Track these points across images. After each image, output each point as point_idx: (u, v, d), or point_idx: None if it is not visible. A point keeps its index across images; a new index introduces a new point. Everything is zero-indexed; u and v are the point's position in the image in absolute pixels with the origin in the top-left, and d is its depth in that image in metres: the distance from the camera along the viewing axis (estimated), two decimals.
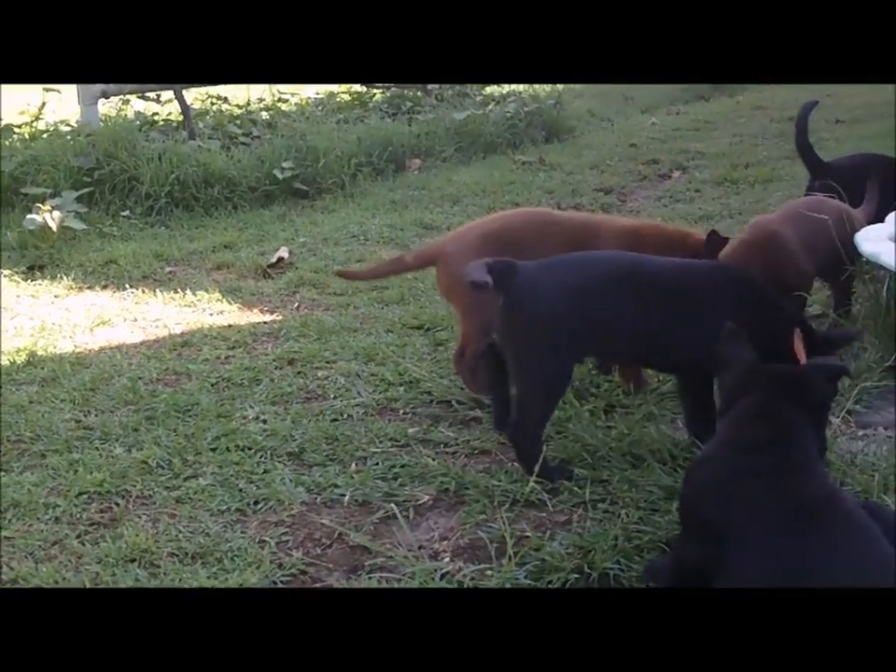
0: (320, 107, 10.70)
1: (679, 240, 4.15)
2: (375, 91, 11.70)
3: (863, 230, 4.61)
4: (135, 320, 5.44)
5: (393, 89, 11.64)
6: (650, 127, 12.16)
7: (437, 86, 11.72)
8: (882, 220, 4.78)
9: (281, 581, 2.99)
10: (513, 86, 12.30)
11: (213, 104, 10.47)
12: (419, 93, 11.46)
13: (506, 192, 8.40)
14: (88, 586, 2.96)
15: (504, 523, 3.17)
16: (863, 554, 2.43)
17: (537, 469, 3.41)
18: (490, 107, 10.94)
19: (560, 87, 12.66)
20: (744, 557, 2.45)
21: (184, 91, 9.22)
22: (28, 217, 6.81)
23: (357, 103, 11.32)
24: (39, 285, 6.12)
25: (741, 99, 14.75)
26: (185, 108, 9.12)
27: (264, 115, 10.05)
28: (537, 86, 12.10)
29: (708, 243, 4.07)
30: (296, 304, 5.67)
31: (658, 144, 10.94)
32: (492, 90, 12.30)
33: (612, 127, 12.31)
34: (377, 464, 3.65)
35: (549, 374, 3.45)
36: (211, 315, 5.50)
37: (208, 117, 9.87)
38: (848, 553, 2.41)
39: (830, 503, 2.49)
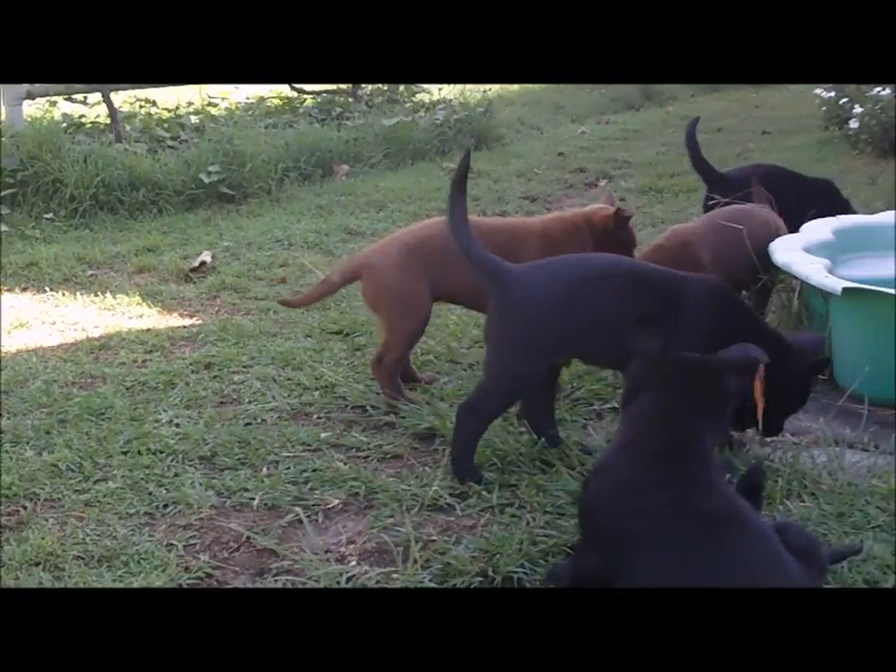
0: (250, 112, 10.66)
1: (583, 221, 4.25)
2: (306, 96, 11.67)
3: (777, 239, 4.68)
4: (54, 323, 5.40)
5: (324, 94, 11.62)
6: (579, 136, 12.23)
7: (367, 91, 11.73)
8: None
9: (187, 584, 2.99)
10: (444, 93, 12.33)
11: (141, 107, 10.42)
12: (349, 99, 11.45)
13: (432, 199, 8.42)
14: None
15: (411, 527, 3.19)
16: (762, 566, 2.47)
17: (457, 456, 3.51)
18: (419, 114, 10.96)
19: (490, 94, 12.73)
20: (640, 568, 2.48)
21: (112, 94, 9.16)
22: None
23: (287, 108, 11.30)
24: None
25: (671, 109, 14.86)
26: (112, 111, 9.07)
27: (193, 119, 9.99)
28: (467, 93, 12.14)
29: (617, 219, 4.21)
30: (216, 308, 5.66)
31: (586, 153, 11.01)
32: (422, 97, 12.31)
33: (542, 135, 12.37)
34: (288, 468, 3.66)
35: (521, 372, 3.50)
36: (130, 318, 5.48)
37: (136, 120, 9.81)
38: (747, 565, 2.44)
39: (728, 516, 2.52)
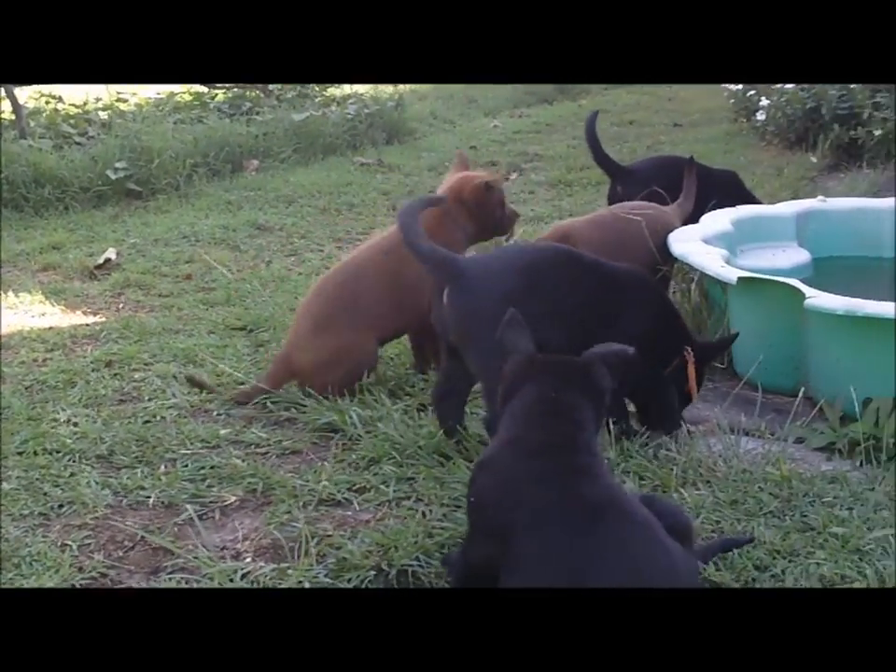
0: (159, 108, 10.56)
1: (453, 198, 4.21)
2: (217, 91, 11.59)
3: (676, 230, 4.73)
4: None
5: (235, 89, 11.54)
6: (491, 129, 12.25)
7: (278, 86, 11.66)
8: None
9: (80, 585, 2.96)
10: (355, 87, 12.29)
11: (47, 102, 10.26)
12: (260, 94, 11.39)
13: (342, 193, 8.42)
14: None
15: (305, 522, 3.18)
16: (645, 552, 2.49)
17: None
18: (331, 108, 10.92)
19: (402, 88, 12.72)
20: (527, 559, 2.49)
21: (16, 90, 9.03)
22: None
23: (197, 103, 11.20)
24: None
25: (584, 102, 14.93)
26: (16, 107, 8.92)
27: (101, 114, 9.87)
28: (379, 87, 12.13)
29: (487, 190, 4.22)
30: (120, 306, 5.61)
31: (498, 146, 11.04)
32: (333, 91, 12.26)
33: (454, 129, 12.37)
34: (186, 465, 3.63)
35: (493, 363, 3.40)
36: (33, 317, 5.40)
37: (42, 116, 9.66)
38: (631, 554, 2.46)
39: (611, 503, 2.54)
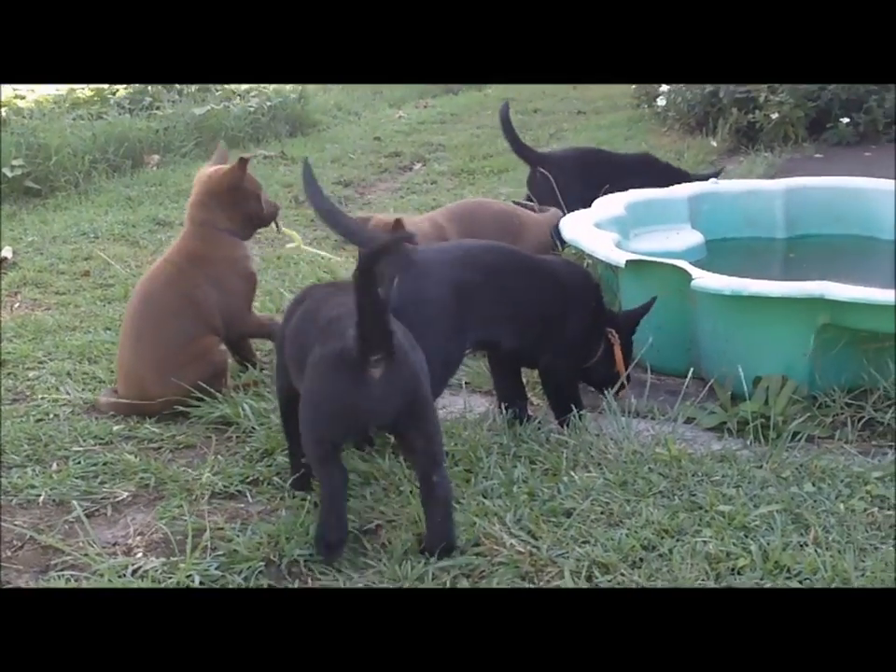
0: (58, 104, 10.41)
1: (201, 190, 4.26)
2: (117, 86, 11.45)
3: (568, 215, 4.77)
4: None
5: (135, 84, 11.41)
6: (396, 120, 12.25)
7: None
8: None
9: None
10: None
11: None
12: (161, 88, 11.26)
13: None
14: None
15: (198, 516, 3.18)
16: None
17: None
18: (233, 101, 10.83)
19: None
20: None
21: None
22: None
23: (97, 99, 11.05)
24: None
25: (490, 92, 14.96)
26: None
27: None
28: None
29: (234, 176, 4.24)
30: (16, 304, 5.53)
31: (402, 137, 11.04)
32: (235, 85, 12.17)
33: (359, 120, 12.34)
34: (79, 462, 3.59)
35: (441, 352, 3.45)
36: None
37: None
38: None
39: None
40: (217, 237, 4.08)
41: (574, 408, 3.68)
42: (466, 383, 4.06)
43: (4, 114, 9.34)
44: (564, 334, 3.66)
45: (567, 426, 3.67)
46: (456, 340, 3.52)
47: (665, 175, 5.85)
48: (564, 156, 6.15)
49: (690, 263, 4.03)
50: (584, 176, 5.67)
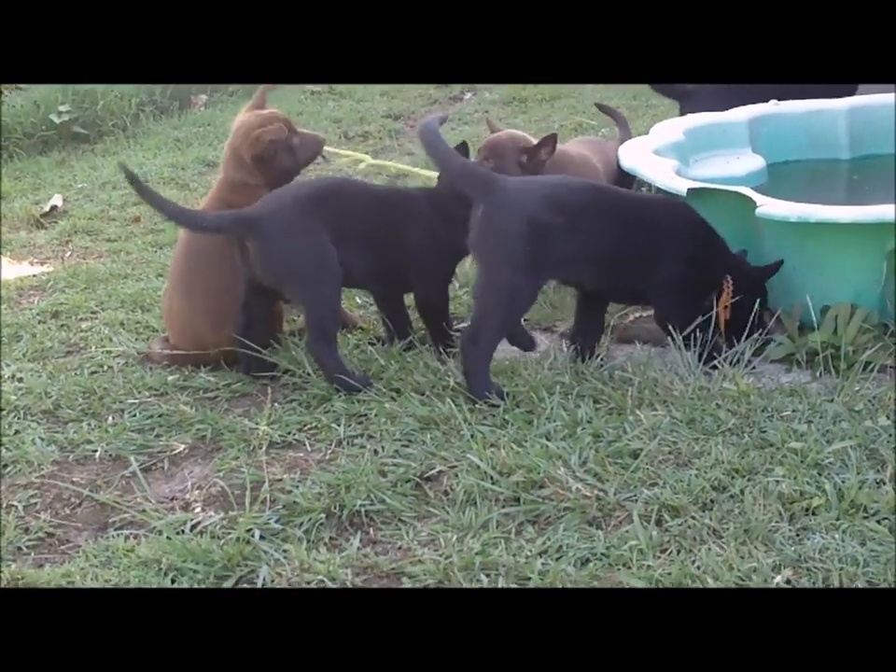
0: None
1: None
2: None
3: (627, 143, 4.64)
4: None
5: None
6: None
7: None
8: None
9: (26, 547, 2.88)
10: None
11: None
12: None
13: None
14: None
15: (256, 467, 3.12)
16: None
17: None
18: None
19: None
20: None
21: None
22: None
23: None
24: None
25: None
26: None
27: None
28: None
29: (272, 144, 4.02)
30: (68, 254, 5.49)
31: None
32: None
33: None
34: (134, 415, 3.55)
35: (515, 289, 3.46)
36: None
37: None
38: None
39: None
40: (252, 192, 3.95)
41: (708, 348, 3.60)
42: (524, 319, 3.95)
43: None
44: (663, 276, 3.58)
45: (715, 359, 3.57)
46: (528, 277, 3.46)
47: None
48: (713, 91, 5.86)
49: (752, 189, 3.90)
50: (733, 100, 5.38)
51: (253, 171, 3.98)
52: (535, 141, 4.16)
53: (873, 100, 5.22)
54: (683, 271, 3.60)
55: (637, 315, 3.99)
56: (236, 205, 3.82)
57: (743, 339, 3.59)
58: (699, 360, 3.55)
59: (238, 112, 7.90)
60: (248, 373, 3.75)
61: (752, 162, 4.85)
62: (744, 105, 5.13)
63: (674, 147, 4.64)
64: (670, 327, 3.59)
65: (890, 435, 3.05)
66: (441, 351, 3.75)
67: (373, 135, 7.77)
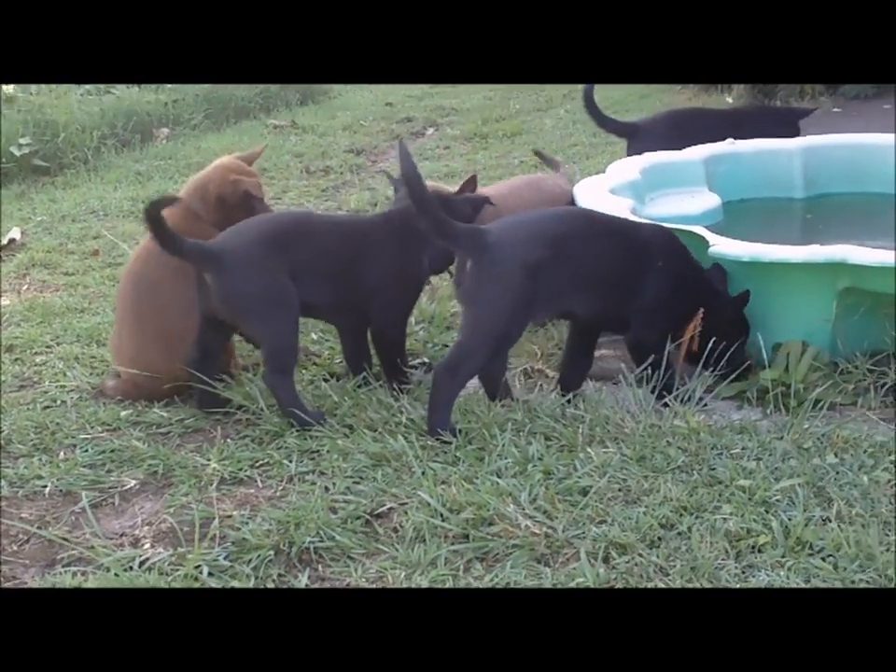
0: None
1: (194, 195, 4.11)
2: None
3: (583, 181, 4.68)
4: None
5: None
6: (409, 85, 12.09)
7: None
8: None
9: None
10: None
11: None
12: None
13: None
14: None
15: (207, 503, 3.12)
16: None
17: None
18: None
19: None
20: None
21: None
22: None
23: None
24: None
25: None
26: None
27: (5, 89, 9.62)
28: None
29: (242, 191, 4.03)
30: (25, 287, 5.47)
31: (415, 101, 10.95)
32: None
33: (371, 87, 12.18)
34: (86, 450, 3.53)
35: (506, 333, 3.51)
36: None
37: None
38: None
39: None
40: (202, 228, 3.95)
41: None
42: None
43: (10, 91, 9.28)
44: (645, 300, 3.62)
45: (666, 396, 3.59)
46: (519, 319, 3.51)
47: (764, 120, 5.70)
48: (655, 121, 6.00)
49: (707, 227, 3.95)
50: (682, 138, 5.48)
51: (209, 206, 3.98)
52: (454, 189, 4.18)
53: (826, 140, 5.31)
54: (666, 294, 3.63)
55: None
56: (181, 231, 3.82)
57: (718, 369, 3.67)
58: (654, 396, 3.58)
59: (200, 146, 8.02)
60: (202, 408, 3.73)
61: (708, 201, 4.89)
62: (690, 144, 5.20)
63: (630, 186, 4.69)
64: (642, 353, 3.65)
65: (838, 473, 3.08)
66: (395, 388, 3.75)
67: (335, 170, 7.80)
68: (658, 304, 3.62)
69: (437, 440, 3.37)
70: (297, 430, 3.51)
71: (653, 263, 3.63)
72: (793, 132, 5.59)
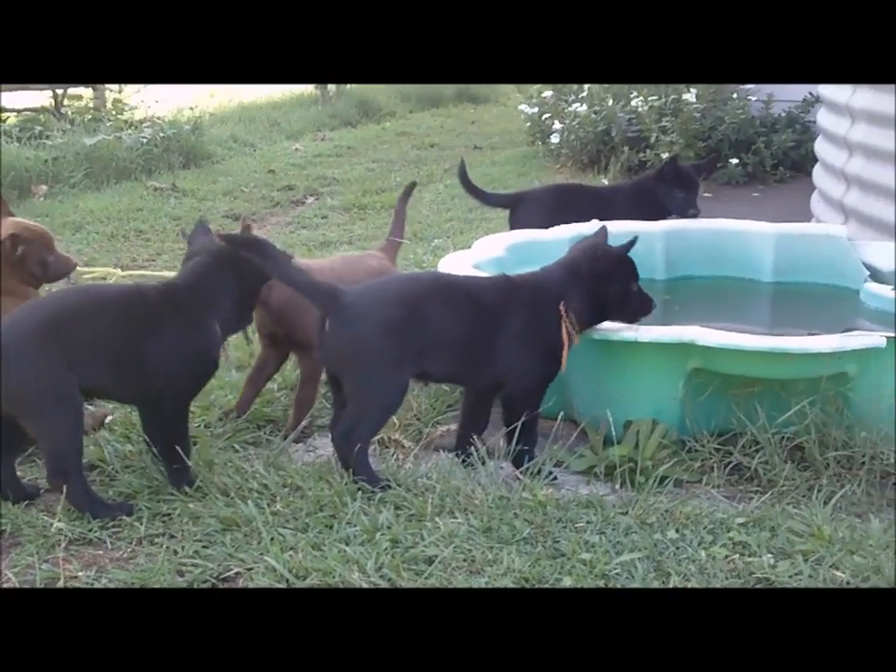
0: None
1: None
2: (8, 114, 11.28)
3: (448, 256, 4.75)
4: None
5: (26, 112, 11.26)
6: (293, 153, 12.14)
7: (71, 109, 11.40)
8: None
9: None
10: (152, 111, 12.13)
11: None
12: (52, 117, 11.09)
13: (132, 219, 8.29)
14: None
15: (54, 564, 3.11)
16: None
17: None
18: (127, 132, 10.64)
19: (203, 110, 12.61)
20: None
21: None
22: None
23: None
24: None
25: (387, 125, 14.95)
26: None
27: None
28: (175, 111, 12.01)
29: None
30: None
31: (297, 170, 10.97)
32: (128, 115, 12.01)
33: (254, 153, 12.18)
34: None
35: (384, 389, 3.57)
36: None
37: None
38: None
39: None
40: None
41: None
42: None
43: None
44: (509, 358, 3.69)
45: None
46: (393, 375, 3.57)
47: (647, 202, 5.84)
48: (540, 191, 6.18)
49: None
50: (564, 209, 5.60)
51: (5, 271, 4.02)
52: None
53: (687, 224, 5.47)
54: (524, 346, 3.71)
55: (447, 428, 4.08)
56: None
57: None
58: (513, 464, 3.70)
59: (78, 205, 7.97)
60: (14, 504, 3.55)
61: None
62: (571, 215, 5.32)
63: (495, 262, 4.76)
64: (517, 408, 3.74)
65: (678, 548, 3.16)
66: (173, 484, 3.58)
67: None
68: (522, 358, 3.71)
69: (382, 489, 3.49)
70: (147, 493, 3.51)
71: (502, 317, 3.71)
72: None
